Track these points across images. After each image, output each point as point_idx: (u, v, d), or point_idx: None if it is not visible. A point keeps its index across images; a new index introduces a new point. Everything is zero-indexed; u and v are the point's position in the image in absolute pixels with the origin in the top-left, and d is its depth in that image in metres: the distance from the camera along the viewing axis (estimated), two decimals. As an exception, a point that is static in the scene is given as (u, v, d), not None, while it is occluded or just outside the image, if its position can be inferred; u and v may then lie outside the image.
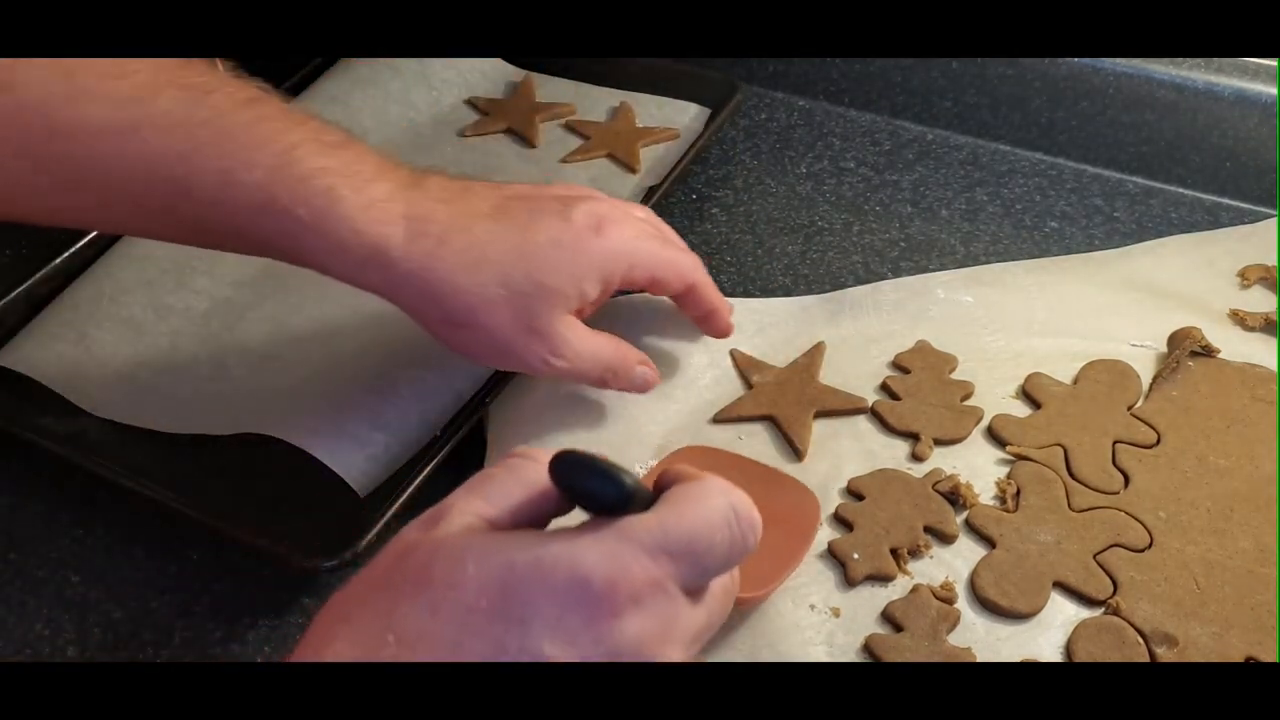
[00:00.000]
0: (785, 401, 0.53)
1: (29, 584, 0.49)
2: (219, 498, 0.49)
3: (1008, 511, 0.49)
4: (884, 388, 0.54)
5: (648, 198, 0.62)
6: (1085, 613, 0.46)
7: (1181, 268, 0.61)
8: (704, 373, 0.55)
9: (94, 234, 0.61)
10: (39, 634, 0.47)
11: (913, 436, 0.52)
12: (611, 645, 0.32)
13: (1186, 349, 0.54)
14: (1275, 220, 0.64)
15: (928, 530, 0.48)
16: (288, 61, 0.72)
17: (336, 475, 0.48)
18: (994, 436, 0.52)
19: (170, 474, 0.50)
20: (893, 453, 0.52)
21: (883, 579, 0.47)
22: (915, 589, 0.46)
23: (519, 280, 0.46)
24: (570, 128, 0.70)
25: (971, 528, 0.48)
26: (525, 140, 0.70)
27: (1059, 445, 0.51)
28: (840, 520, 0.49)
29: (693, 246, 0.53)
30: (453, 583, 0.32)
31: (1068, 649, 0.44)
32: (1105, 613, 0.45)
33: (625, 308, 0.57)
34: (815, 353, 0.56)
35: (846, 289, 0.60)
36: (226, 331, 0.58)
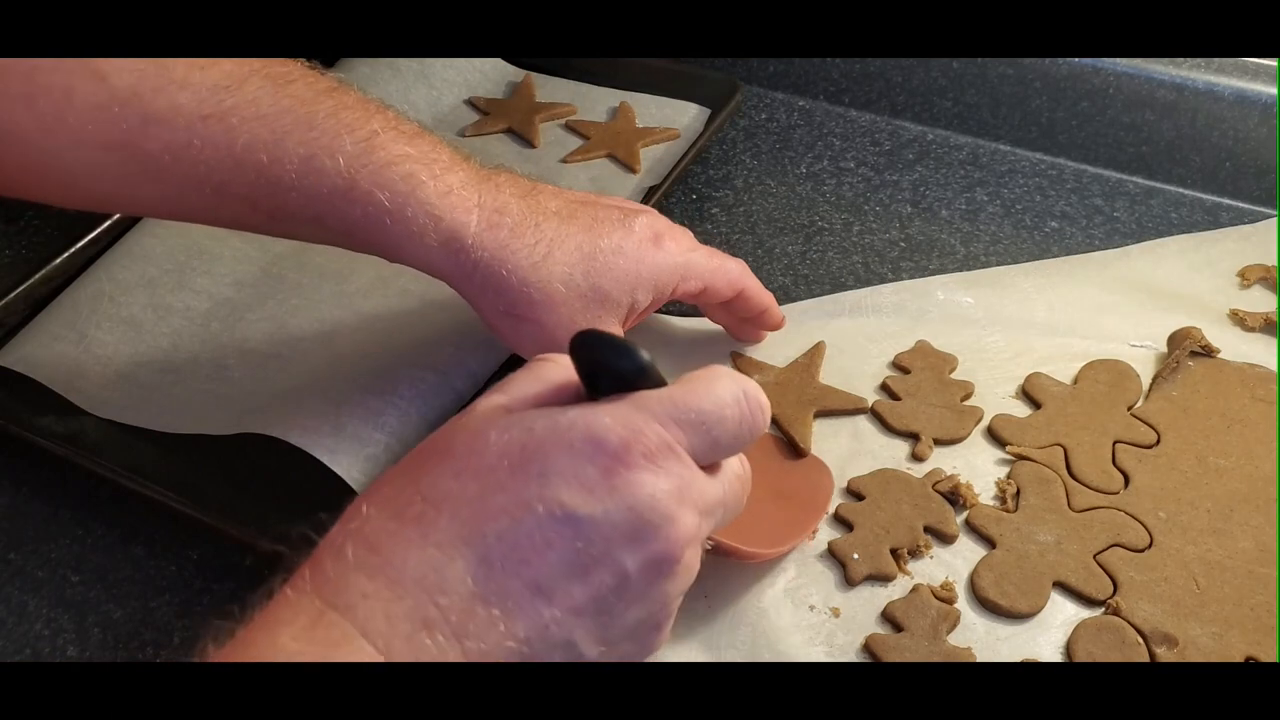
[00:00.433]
0: (785, 401, 0.53)
1: (29, 584, 0.49)
2: (219, 498, 0.49)
3: (1008, 511, 0.49)
4: (884, 388, 0.54)
5: (648, 198, 0.62)
6: (1085, 613, 0.46)
7: (1181, 268, 0.61)
8: (704, 373, 0.55)
9: (94, 234, 0.61)
10: (38, 634, 0.47)
11: (913, 436, 0.52)
12: (628, 496, 0.33)
13: (1186, 349, 0.54)
14: (1275, 220, 0.63)
15: (928, 530, 0.48)
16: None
17: (337, 475, 0.48)
18: (994, 436, 0.52)
19: (170, 474, 0.50)
20: (893, 453, 0.52)
21: (883, 579, 0.47)
22: (915, 589, 0.46)
23: (579, 281, 0.47)
24: (570, 128, 0.70)
25: (971, 528, 0.48)
26: (525, 140, 0.70)
27: (1059, 445, 0.51)
28: (840, 520, 0.49)
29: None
30: (475, 450, 0.34)
31: (1068, 649, 0.44)
32: (1105, 613, 0.45)
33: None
34: (815, 353, 0.56)
35: (846, 290, 0.60)
36: (227, 331, 0.58)
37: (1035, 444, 0.51)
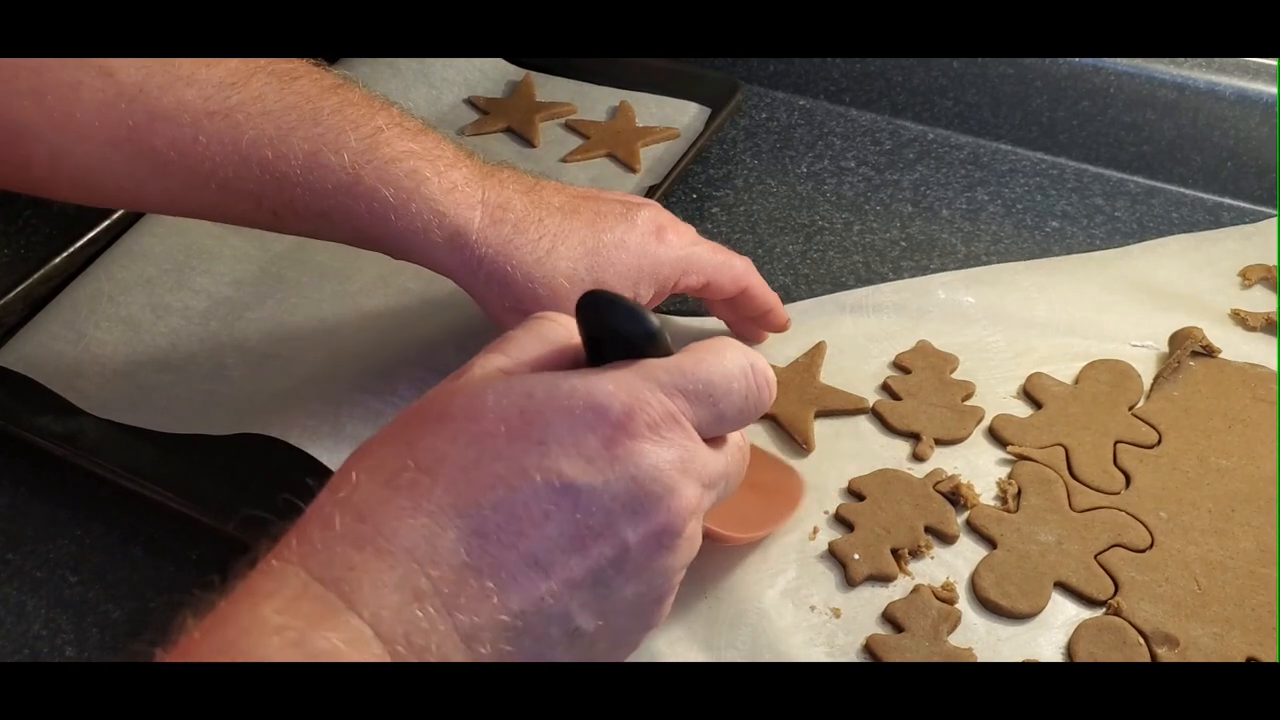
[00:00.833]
0: (786, 401, 0.53)
1: (27, 584, 0.49)
2: (219, 498, 0.49)
3: (1009, 512, 0.49)
4: (885, 388, 0.54)
5: (647, 197, 0.62)
6: (1086, 613, 0.45)
7: (1182, 268, 0.61)
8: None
9: (94, 233, 0.61)
10: (37, 634, 0.47)
11: (914, 436, 0.52)
12: (629, 466, 0.32)
13: (1188, 349, 0.54)
14: (1276, 220, 0.63)
15: (928, 530, 0.48)
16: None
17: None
18: (995, 436, 0.52)
19: (170, 474, 0.50)
20: (893, 453, 0.52)
21: (883, 579, 0.47)
22: (916, 589, 0.46)
23: (582, 275, 0.47)
24: (570, 127, 0.70)
25: (972, 528, 0.48)
26: (525, 140, 0.70)
27: (1060, 445, 0.51)
28: (841, 520, 0.49)
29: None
30: (472, 415, 0.33)
31: (1069, 649, 0.44)
32: (1106, 613, 0.45)
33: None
34: (816, 352, 0.56)
35: (847, 289, 0.60)
36: (226, 331, 0.58)
37: (1036, 444, 0.51)
